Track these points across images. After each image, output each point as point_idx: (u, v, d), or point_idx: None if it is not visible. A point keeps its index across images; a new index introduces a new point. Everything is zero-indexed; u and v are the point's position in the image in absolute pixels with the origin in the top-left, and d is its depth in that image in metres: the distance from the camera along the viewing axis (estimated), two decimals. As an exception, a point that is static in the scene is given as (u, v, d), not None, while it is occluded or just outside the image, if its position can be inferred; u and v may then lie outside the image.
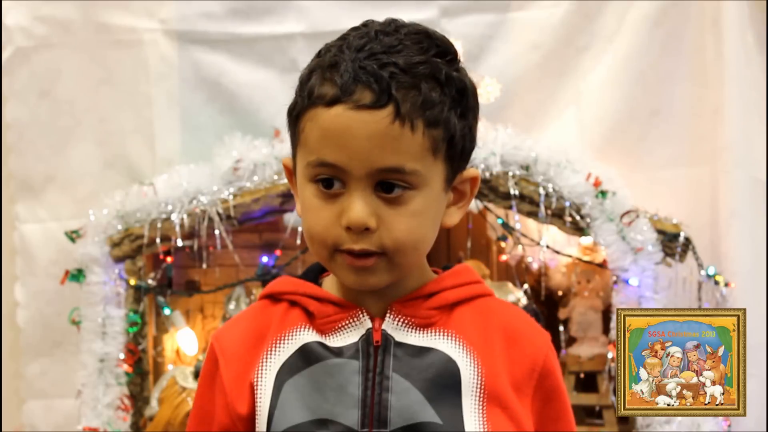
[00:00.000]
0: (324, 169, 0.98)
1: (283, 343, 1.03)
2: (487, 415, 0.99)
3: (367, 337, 1.01)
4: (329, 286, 1.08)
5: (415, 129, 0.96)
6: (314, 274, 1.11)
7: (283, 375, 1.01)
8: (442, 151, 1.00)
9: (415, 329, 1.02)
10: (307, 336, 1.03)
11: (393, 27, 1.00)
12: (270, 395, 1.00)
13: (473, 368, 1.00)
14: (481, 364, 1.00)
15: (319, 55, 1.02)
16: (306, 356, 1.01)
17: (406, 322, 1.02)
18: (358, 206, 0.97)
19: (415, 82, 0.96)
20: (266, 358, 1.02)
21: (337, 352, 1.01)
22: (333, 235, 0.98)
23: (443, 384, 0.99)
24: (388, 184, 0.98)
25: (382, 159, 0.96)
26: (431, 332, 1.02)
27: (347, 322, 1.03)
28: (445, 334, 1.02)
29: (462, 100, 1.02)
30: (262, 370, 1.02)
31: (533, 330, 1.07)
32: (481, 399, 0.99)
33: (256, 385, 1.01)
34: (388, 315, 1.03)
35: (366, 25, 1.02)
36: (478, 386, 0.99)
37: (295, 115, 1.01)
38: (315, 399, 0.99)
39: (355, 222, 0.97)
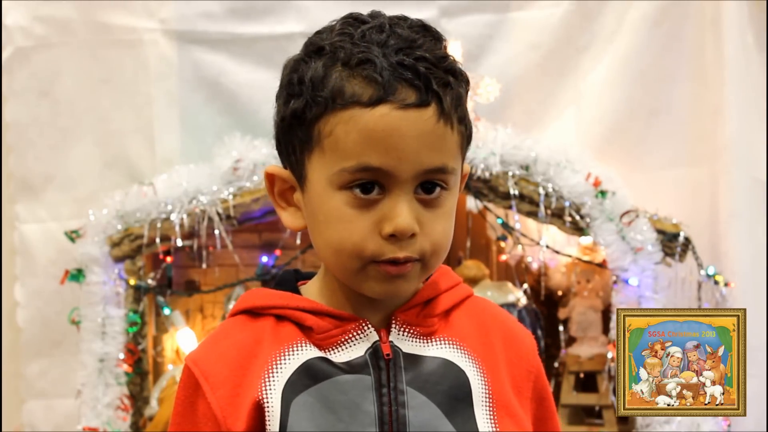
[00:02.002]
0: (364, 174, 0.92)
1: (283, 361, 0.96)
2: (499, 425, 0.97)
3: (374, 350, 0.97)
4: (315, 296, 1.02)
5: (453, 126, 0.94)
6: (292, 284, 1.04)
7: (289, 394, 0.95)
8: (464, 148, 0.98)
9: (420, 338, 0.98)
10: (308, 352, 0.97)
11: (396, 19, 0.95)
12: (279, 415, 0.94)
13: (480, 377, 0.98)
14: (486, 373, 0.98)
15: (321, 51, 0.94)
16: (311, 373, 0.95)
17: (410, 331, 0.98)
18: (405, 211, 0.92)
19: (446, 77, 0.93)
20: (269, 376, 0.96)
21: (345, 368, 0.96)
22: (372, 245, 0.92)
23: (456, 396, 0.96)
24: (430, 186, 0.93)
25: (430, 159, 0.92)
26: (435, 341, 0.99)
27: (350, 335, 0.97)
28: (450, 342, 0.99)
29: (467, 94, 0.98)
30: (267, 389, 0.95)
31: (522, 330, 1.06)
32: (492, 409, 0.97)
33: (266, 404, 0.95)
34: (393, 325, 0.98)
35: (358, 19, 0.95)
36: (487, 396, 0.97)
37: (311, 119, 0.93)
38: (327, 418, 0.94)
39: (403, 229, 0.91)
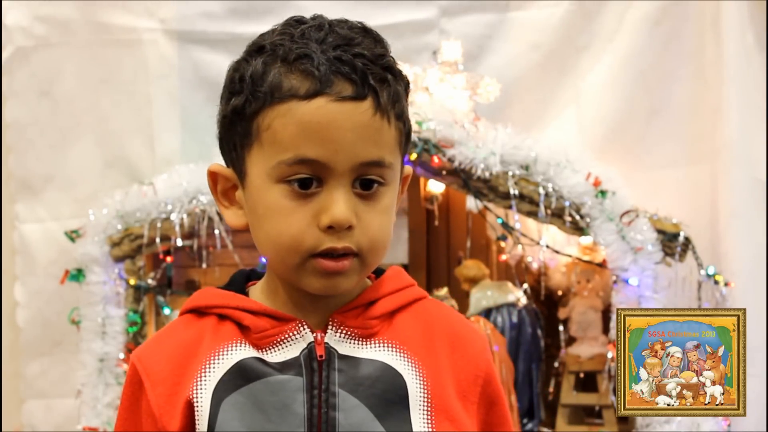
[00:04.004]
0: (301, 167, 0.93)
1: (218, 360, 0.97)
2: (437, 429, 0.95)
3: (309, 351, 0.96)
4: (258, 296, 1.02)
5: (390, 121, 0.95)
6: (240, 284, 1.05)
7: (220, 393, 0.95)
8: (402, 145, 0.99)
9: (358, 341, 0.98)
10: (243, 352, 0.97)
11: (337, 21, 0.97)
12: (208, 414, 0.95)
13: (419, 381, 0.97)
14: (426, 376, 0.97)
15: (262, 50, 0.95)
16: (244, 373, 0.96)
17: (348, 333, 0.98)
18: (342, 203, 0.92)
19: (384, 74, 0.94)
20: (201, 375, 0.96)
21: (278, 368, 0.96)
22: (310, 238, 0.93)
23: (390, 399, 0.95)
24: (368, 182, 0.94)
25: (366, 152, 0.93)
26: (374, 343, 0.98)
27: (286, 335, 0.97)
28: (389, 344, 0.98)
29: (407, 95, 0.99)
30: (198, 388, 0.96)
31: (473, 334, 1.04)
32: (430, 412, 0.96)
33: (195, 404, 0.96)
34: (330, 327, 0.98)
35: (299, 21, 0.97)
36: (425, 399, 0.96)
37: (250, 114, 0.95)
38: (256, 418, 0.94)
39: (339, 220, 0.92)
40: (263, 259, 2.43)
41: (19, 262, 2.64)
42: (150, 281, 2.40)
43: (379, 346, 0.98)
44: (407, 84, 0.99)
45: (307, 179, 0.93)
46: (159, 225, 2.34)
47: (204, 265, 2.41)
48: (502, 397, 1.04)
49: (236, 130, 0.98)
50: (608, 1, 2.56)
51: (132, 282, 2.38)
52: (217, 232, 2.32)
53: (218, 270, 2.48)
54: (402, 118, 0.97)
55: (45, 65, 2.60)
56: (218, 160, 2.71)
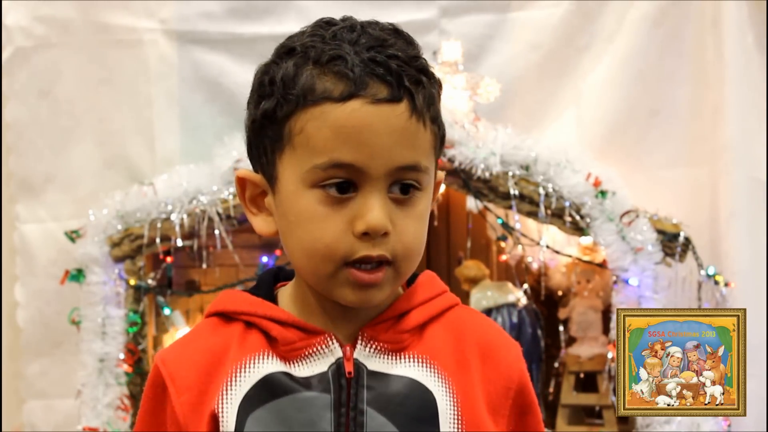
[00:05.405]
0: (336, 171, 0.90)
1: (245, 372, 0.95)
2: None
3: (337, 367, 0.95)
4: (287, 303, 1.00)
5: (426, 124, 0.93)
6: (268, 288, 1.02)
7: (246, 407, 0.93)
8: (436, 149, 0.97)
9: (388, 355, 0.96)
10: (270, 365, 0.95)
11: (368, 22, 0.95)
12: (233, 429, 0.93)
13: (449, 397, 0.95)
14: (456, 392, 0.95)
15: (292, 52, 0.93)
16: (270, 388, 0.94)
17: (378, 348, 0.96)
18: (377, 209, 0.90)
19: (418, 76, 0.92)
20: (228, 387, 0.95)
21: (305, 383, 0.94)
22: (344, 244, 0.91)
23: (420, 418, 0.94)
24: (404, 186, 0.92)
25: (402, 156, 0.91)
26: (404, 358, 0.96)
27: (314, 349, 0.95)
28: (419, 359, 0.96)
29: (440, 98, 0.98)
30: (224, 401, 0.94)
31: (506, 343, 1.02)
32: (460, 430, 0.94)
33: (220, 417, 0.94)
34: (359, 342, 0.96)
35: (329, 22, 0.95)
36: (455, 417, 0.94)
37: (282, 117, 0.92)
38: None
39: (375, 226, 0.90)
40: (263, 260, 2.44)
41: (19, 263, 2.64)
42: (150, 281, 2.40)
43: (410, 362, 0.96)
44: (440, 86, 0.97)
45: (343, 183, 0.91)
46: (159, 225, 2.34)
47: (204, 266, 2.41)
48: (536, 406, 1.03)
49: (267, 134, 0.94)
50: (608, 1, 2.56)
51: (132, 282, 2.38)
52: (217, 232, 2.31)
53: (218, 270, 2.48)
54: (437, 122, 0.95)
55: (45, 65, 2.60)
56: (218, 160, 2.71)
